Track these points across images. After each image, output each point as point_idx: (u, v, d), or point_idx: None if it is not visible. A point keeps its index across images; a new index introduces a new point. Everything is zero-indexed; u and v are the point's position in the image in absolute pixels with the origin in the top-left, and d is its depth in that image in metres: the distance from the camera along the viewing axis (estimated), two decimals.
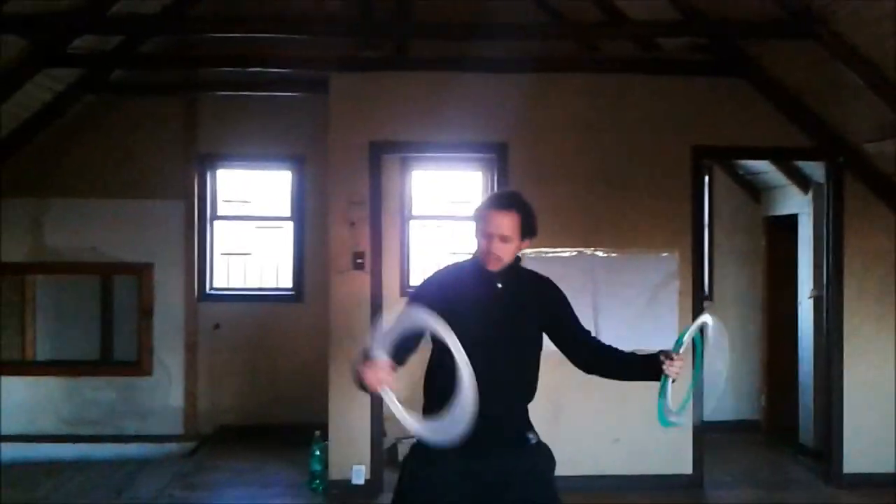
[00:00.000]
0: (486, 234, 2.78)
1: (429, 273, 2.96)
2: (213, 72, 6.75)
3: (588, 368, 2.98)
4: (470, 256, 2.93)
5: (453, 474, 2.73)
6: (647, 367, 2.87)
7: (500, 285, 2.84)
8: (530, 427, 2.89)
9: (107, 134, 6.87)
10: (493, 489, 2.76)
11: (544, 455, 2.90)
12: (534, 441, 2.86)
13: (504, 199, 2.85)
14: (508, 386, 2.77)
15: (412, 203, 7.31)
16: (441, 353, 2.60)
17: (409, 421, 2.52)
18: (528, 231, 2.84)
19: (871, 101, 4.86)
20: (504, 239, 2.77)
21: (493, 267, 2.81)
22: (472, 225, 2.87)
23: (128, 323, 7.01)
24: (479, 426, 2.58)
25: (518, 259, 2.91)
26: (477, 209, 2.87)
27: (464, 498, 2.77)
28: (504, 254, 2.79)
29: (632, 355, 2.95)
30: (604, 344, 2.99)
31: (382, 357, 2.53)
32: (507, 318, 2.82)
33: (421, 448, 2.79)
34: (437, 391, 2.71)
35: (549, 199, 5.03)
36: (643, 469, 5.58)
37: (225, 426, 7.02)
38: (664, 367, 2.82)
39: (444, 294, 2.78)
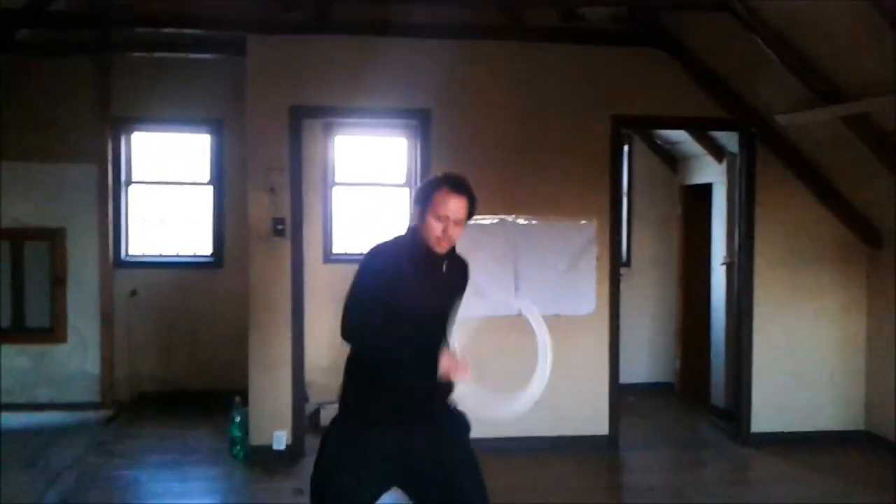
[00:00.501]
0: (440, 217, 2.76)
1: (370, 245, 2.89)
2: (128, 32, 6.51)
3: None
4: (408, 232, 2.90)
5: (375, 454, 2.77)
6: None
7: (444, 269, 2.87)
8: (449, 397, 2.92)
9: (16, 96, 6.56)
10: (416, 464, 2.81)
11: (462, 422, 2.95)
12: (453, 408, 2.92)
13: (460, 184, 2.82)
14: (437, 360, 2.76)
15: (335, 170, 7.25)
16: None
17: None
18: (471, 216, 2.86)
19: (782, 75, 5.01)
20: (458, 223, 2.78)
21: (443, 250, 2.80)
22: (419, 203, 2.82)
23: (41, 290, 6.80)
24: (409, 401, 2.74)
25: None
26: (428, 189, 2.81)
27: (385, 478, 2.82)
28: (456, 237, 2.81)
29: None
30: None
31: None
32: (444, 298, 2.84)
33: (341, 428, 2.86)
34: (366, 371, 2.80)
35: (470, 166, 5.03)
36: (561, 431, 5.71)
37: (144, 394, 6.92)
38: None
39: (394, 272, 2.77)
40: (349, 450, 2.79)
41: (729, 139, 6.30)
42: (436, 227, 2.76)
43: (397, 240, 2.91)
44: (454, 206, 2.76)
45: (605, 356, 5.81)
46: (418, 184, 2.92)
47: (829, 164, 5.75)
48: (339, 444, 2.83)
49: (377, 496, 2.85)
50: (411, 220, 2.91)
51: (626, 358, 6.61)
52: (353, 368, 2.90)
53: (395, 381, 2.76)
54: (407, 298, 2.71)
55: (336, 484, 2.79)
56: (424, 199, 2.79)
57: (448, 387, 2.87)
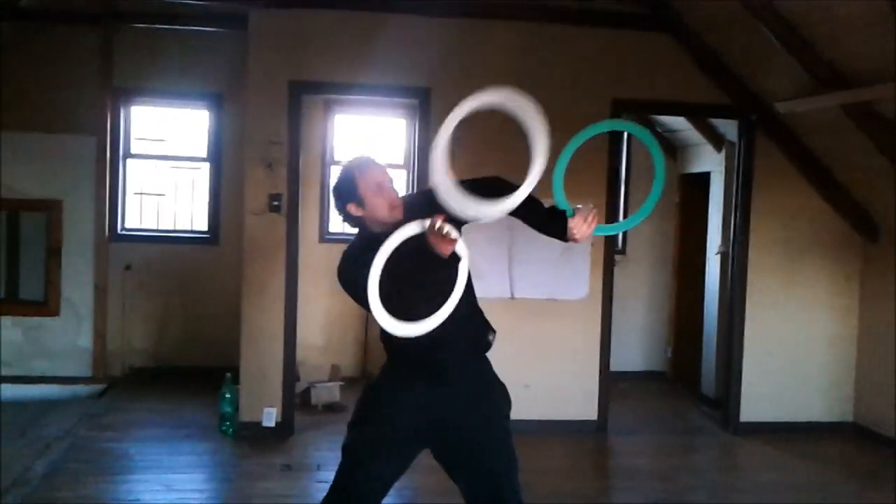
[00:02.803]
0: (378, 187, 2.67)
1: (345, 255, 2.75)
2: (131, 2, 6.50)
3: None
4: (360, 232, 2.77)
5: (406, 407, 2.77)
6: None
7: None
8: (487, 361, 2.88)
9: (17, 64, 6.53)
10: (447, 428, 2.79)
11: (501, 395, 2.90)
12: (491, 377, 2.86)
13: (364, 157, 2.77)
14: (460, 320, 2.65)
15: (335, 148, 7.24)
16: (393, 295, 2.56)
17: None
18: None
19: (785, 61, 4.99)
20: (391, 184, 2.72)
21: (400, 214, 2.68)
22: (349, 199, 2.68)
23: (36, 262, 6.80)
24: (436, 358, 2.71)
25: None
26: (347, 182, 2.69)
27: (419, 434, 2.79)
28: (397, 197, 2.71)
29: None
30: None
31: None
32: (432, 256, 2.64)
33: (377, 380, 2.89)
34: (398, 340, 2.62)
35: (467, 147, 5.02)
36: (551, 414, 5.72)
37: (136, 368, 6.93)
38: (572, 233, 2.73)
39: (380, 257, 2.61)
40: (382, 400, 2.81)
41: (728, 128, 6.28)
42: (381, 201, 2.67)
43: (358, 240, 2.77)
44: (377, 171, 2.71)
45: (596, 341, 5.80)
46: (336, 190, 2.74)
47: (829, 153, 5.73)
48: (373, 394, 2.87)
49: (409, 453, 2.84)
50: (352, 223, 2.76)
51: (619, 345, 6.64)
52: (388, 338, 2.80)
53: (419, 339, 2.62)
54: (401, 277, 2.56)
55: (369, 430, 2.80)
56: (351, 191, 2.68)
57: (482, 348, 2.84)
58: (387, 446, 2.80)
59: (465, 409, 2.79)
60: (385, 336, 2.71)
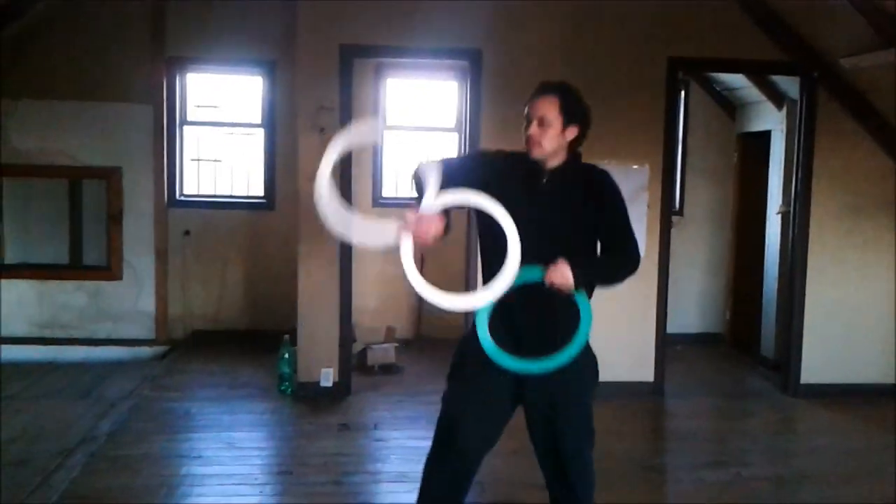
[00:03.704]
0: (526, 120, 2.71)
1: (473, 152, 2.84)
2: None
3: None
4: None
5: (493, 377, 2.76)
6: None
7: (546, 181, 2.73)
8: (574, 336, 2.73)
9: (72, 35, 6.65)
10: (530, 401, 2.81)
11: (590, 370, 2.88)
12: (580, 352, 2.71)
13: (543, 84, 2.76)
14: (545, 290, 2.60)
15: (386, 113, 7.23)
16: (487, 244, 2.68)
17: (428, 291, 2.59)
18: (571, 115, 2.70)
19: (848, 16, 4.82)
20: (542, 122, 2.68)
21: (536, 153, 2.69)
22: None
23: (97, 228, 6.97)
24: (519, 329, 2.71)
25: (576, 156, 2.79)
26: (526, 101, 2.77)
27: (507, 381, 2.76)
28: (543, 139, 2.68)
29: None
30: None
31: (433, 210, 2.56)
32: (547, 212, 2.68)
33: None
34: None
35: (521, 108, 4.95)
36: (608, 377, 5.56)
37: (197, 331, 7.07)
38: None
39: (484, 176, 2.70)
40: (472, 354, 2.77)
41: (790, 85, 6.11)
42: (525, 131, 2.71)
43: (511, 152, 2.85)
44: (535, 105, 2.70)
45: (652, 303, 5.74)
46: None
47: (894, 110, 5.54)
48: (465, 346, 2.87)
49: (503, 408, 2.85)
50: None
51: (676, 307, 6.56)
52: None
53: (505, 305, 2.65)
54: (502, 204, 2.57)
55: (463, 384, 2.83)
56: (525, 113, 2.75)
57: (570, 321, 2.68)
58: (484, 395, 2.79)
59: (546, 384, 2.74)
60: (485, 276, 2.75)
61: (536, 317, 2.74)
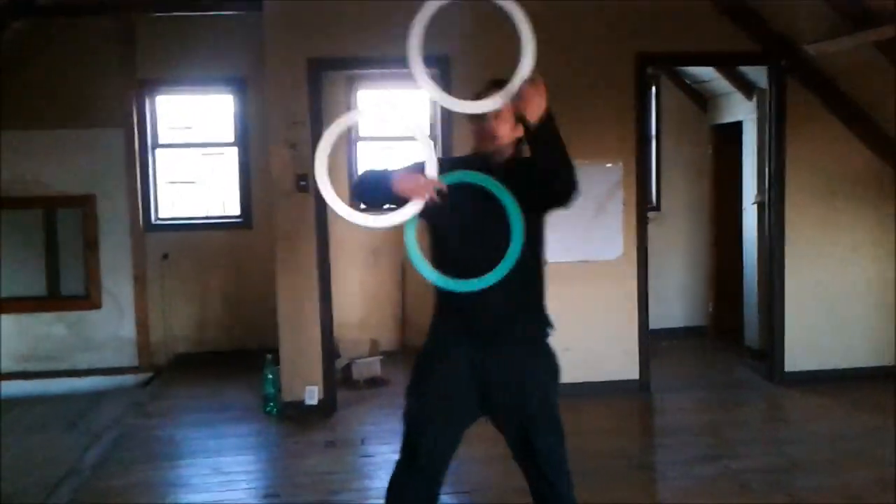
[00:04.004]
0: (477, 117, 2.72)
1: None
2: None
3: None
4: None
5: (453, 367, 2.77)
6: None
7: (498, 172, 2.72)
8: (539, 329, 2.83)
9: (40, 62, 6.61)
10: (494, 393, 2.77)
11: (549, 363, 2.86)
12: (539, 344, 2.81)
13: (495, 81, 2.78)
14: (510, 283, 2.65)
15: (359, 124, 7.19)
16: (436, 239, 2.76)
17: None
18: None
19: (813, 2, 4.85)
20: (497, 115, 2.70)
21: (489, 147, 2.74)
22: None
23: (75, 257, 6.90)
24: (475, 316, 2.72)
25: (521, 150, 2.80)
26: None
27: (469, 388, 2.77)
28: (500, 131, 2.72)
29: None
30: None
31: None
32: (500, 209, 2.69)
33: (439, 325, 2.88)
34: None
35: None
36: (593, 376, 5.67)
37: (180, 355, 7.02)
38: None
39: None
40: (433, 361, 2.82)
41: (758, 75, 6.14)
42: (479, 127, 2.74)
43: (461, 156, 2.90)
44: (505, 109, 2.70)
45: (633, 301, 5.74)
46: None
47: (862, 93, 5.58)
48: (424, 357, 2.89)
49: (466, 411, 2.82)
50: None
51: (659, 302, 6.56)
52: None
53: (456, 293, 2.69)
54: (455, 203, 2.62)
55: (425, 395, 2.83)
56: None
57: (533, 317, 2.80)
58: (445, 407, 2.79)
59: (509, 388, 2.75)
60: (438, 290, 2.78)
61: (491, 305, 2.73)
